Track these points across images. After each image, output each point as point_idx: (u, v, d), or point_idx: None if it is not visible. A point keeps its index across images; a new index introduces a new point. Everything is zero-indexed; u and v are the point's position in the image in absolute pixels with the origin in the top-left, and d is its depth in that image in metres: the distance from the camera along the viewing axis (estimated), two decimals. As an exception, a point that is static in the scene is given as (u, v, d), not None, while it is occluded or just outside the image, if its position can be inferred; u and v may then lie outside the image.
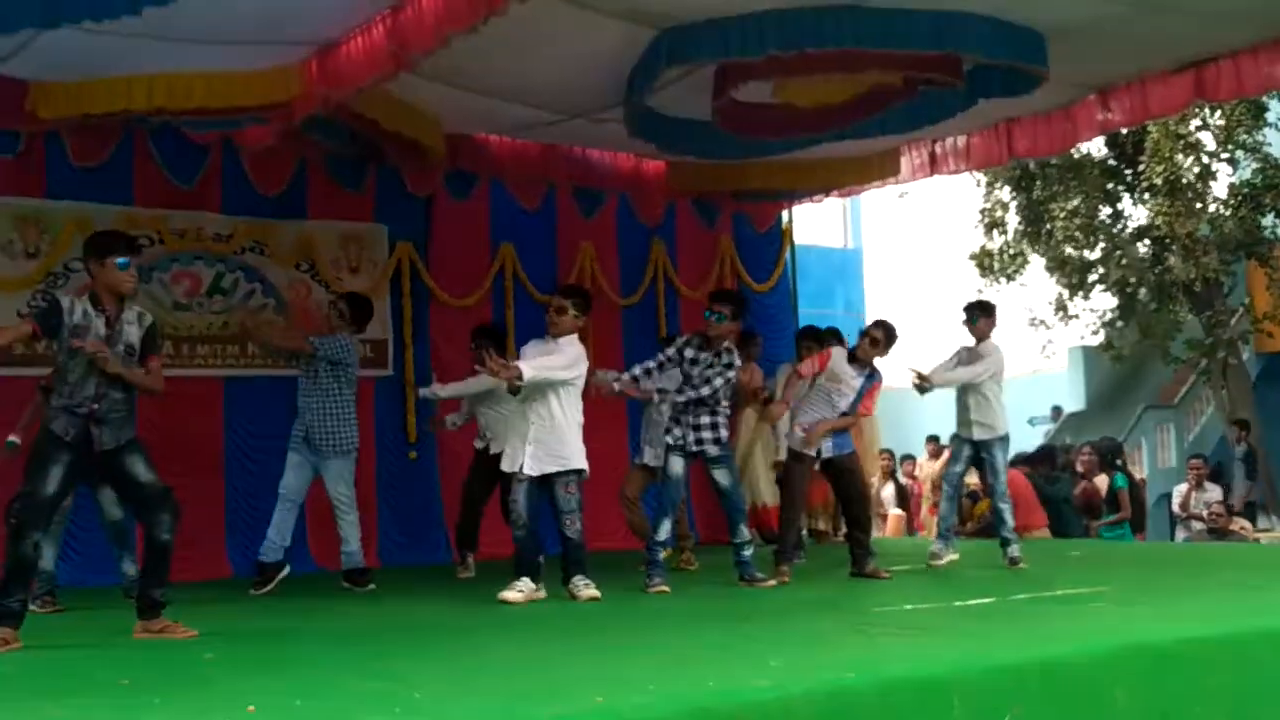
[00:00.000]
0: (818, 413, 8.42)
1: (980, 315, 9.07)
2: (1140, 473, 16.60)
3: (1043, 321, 21.00)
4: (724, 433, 8.10)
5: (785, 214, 13.40)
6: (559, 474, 7.39)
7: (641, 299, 12.29)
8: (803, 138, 10.03)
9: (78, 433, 5.88)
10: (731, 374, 8.05)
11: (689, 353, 8.03)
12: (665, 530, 7.97)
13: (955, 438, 9.21)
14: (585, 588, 7.34)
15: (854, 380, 8.42)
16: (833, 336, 9.71)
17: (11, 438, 7.67)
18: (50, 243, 9.51)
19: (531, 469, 7.36)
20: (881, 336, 8.55)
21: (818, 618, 6.45)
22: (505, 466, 7.51)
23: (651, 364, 8.12)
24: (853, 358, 8.54)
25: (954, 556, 8.72)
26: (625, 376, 8.24)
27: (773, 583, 7.95)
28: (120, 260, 5.97)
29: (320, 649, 5.92)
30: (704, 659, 4.87)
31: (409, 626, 6.70)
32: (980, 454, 8.93)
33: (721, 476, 8.02)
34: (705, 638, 5.69)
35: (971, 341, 9.07)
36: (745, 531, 8.09)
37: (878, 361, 8.58)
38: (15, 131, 9.23)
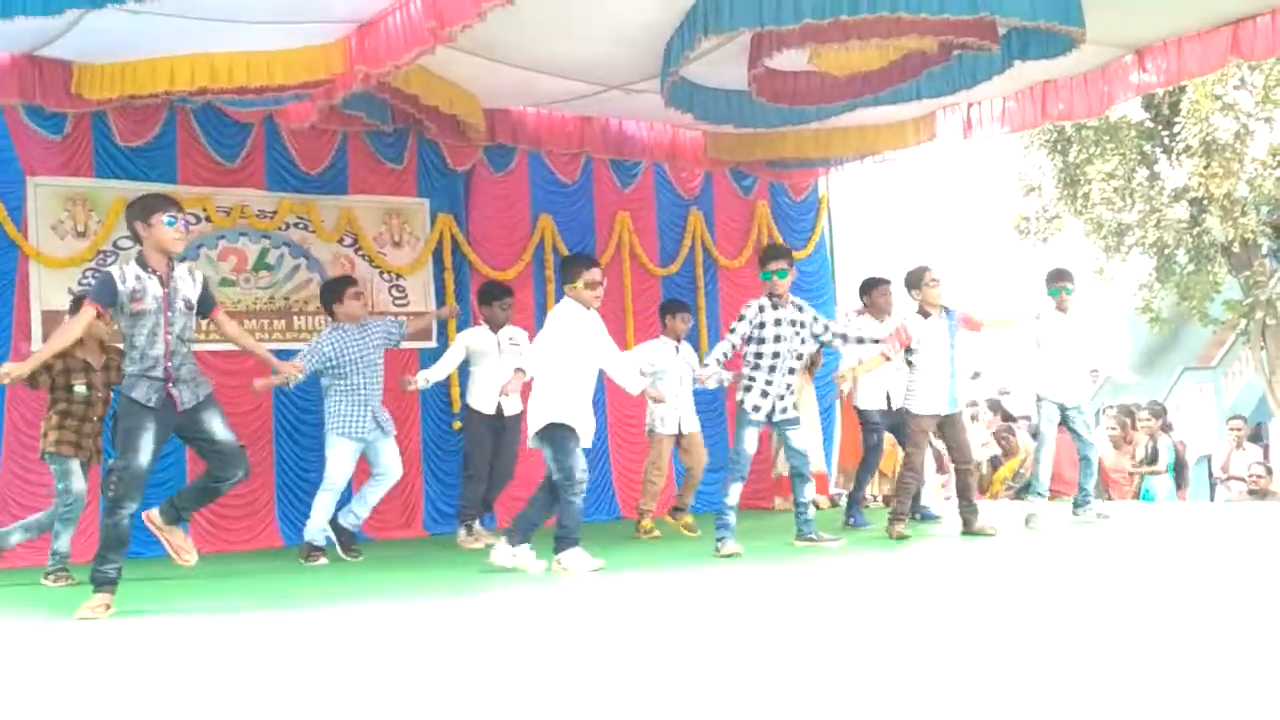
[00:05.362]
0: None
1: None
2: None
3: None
4: None
5: (822, 181, 13.45)
6: None
7: (680, 269, 12.38)
8: (838, 104, 10.06)
9: (160, 396, 6.07)
10: None
11: (768, 315, 8.11)
12: (736, 494, 8.12)
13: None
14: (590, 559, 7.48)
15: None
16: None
17: None
18: (99, 221, 9.68)
19: (587, 439, 7.62)
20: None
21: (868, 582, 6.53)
22: (582, 434, 7.58)
23: (732, 343, 8.21)
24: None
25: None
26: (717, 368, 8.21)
27: (839, 542, 8.22)
28: (168, 219, 6.12)
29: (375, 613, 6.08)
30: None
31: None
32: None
33: (797, 437, 8.18)
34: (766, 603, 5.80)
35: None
36: (810, 491, 8.35)
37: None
38: (62, 113, 9.37)
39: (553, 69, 9.84)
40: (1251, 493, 13.09)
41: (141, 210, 6.19)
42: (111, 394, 7.94)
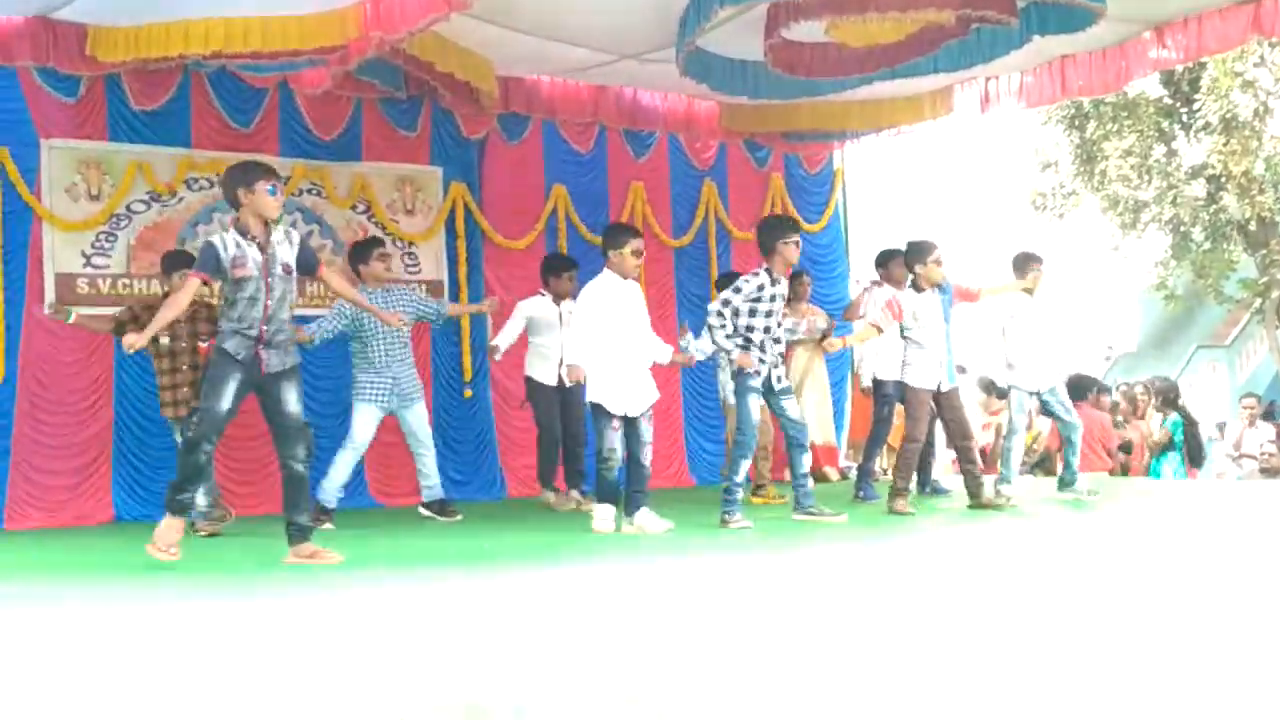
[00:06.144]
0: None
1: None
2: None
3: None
4: None
5: (837, 154, 13.39)
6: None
7: (693, 240, 12.36)
8: (855, 77, 10.01)
9: (248, 353, 6.28)
10: None
11: (766, 291, 7.99)
12: (745, 471, 8.04)
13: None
14: (658, 521, 7.57)
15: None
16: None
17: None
18: (113, 185, 9.68)
19: (634, 408, 7.63)
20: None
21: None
22: (621, 410, 7.60)
23: (724, 315, 7.97)
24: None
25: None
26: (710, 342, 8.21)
27: (840, 517, 8.02)
28: (270, 187, 6.27)
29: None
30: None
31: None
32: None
33: (791, 406, 8.07)
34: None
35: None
36: (808, 461, 8.15)
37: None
38: (76, 75, 9.36)
39: (568, 37, 9.81)
40: (1263, 471, 13.06)
41: (243, 177, 6.32)
42: (197, 342, 8.21)
